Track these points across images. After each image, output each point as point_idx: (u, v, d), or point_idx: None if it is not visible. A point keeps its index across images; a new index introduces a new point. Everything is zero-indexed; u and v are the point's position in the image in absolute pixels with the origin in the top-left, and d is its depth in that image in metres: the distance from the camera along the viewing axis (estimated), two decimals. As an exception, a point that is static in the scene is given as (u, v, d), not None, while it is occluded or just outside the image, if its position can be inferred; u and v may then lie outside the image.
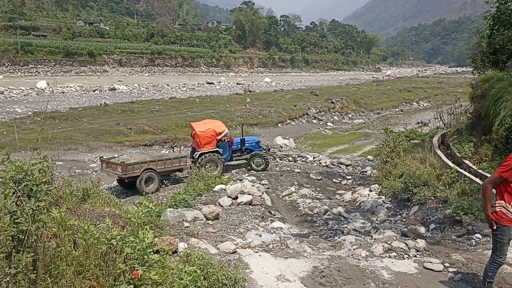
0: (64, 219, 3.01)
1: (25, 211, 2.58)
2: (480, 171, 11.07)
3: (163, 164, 17.14)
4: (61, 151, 24.39)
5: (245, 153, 19.02)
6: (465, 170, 11.44)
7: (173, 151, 19.93)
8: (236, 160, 19.17)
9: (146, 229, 3.22)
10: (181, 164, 17.63)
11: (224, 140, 18.51)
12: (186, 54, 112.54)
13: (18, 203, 2.65)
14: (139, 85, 63.88)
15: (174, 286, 3.47)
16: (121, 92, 55.09)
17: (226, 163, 18.82)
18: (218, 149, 17.97)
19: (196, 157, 17.91)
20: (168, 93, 55.21)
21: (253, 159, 18.42)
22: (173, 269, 3.46)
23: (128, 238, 3.03)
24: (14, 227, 2.53)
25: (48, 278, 2.63)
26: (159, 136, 31.69)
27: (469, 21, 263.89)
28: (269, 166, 18.54)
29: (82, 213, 4.89)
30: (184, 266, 3.49)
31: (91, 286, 2.86)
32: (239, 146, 19.07)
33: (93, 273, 2.90)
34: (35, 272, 2.60)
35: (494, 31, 17.96)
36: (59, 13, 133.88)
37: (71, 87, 58.03)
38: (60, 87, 57.89)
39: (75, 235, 3.16)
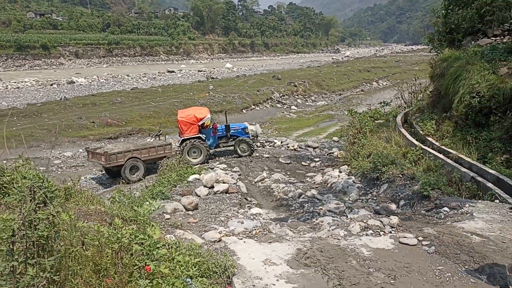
0: (73, 221, 3.10)
1: (44, 217, 2.66)
2: (443, 147, 11.63)
3: (148, 152, 17.17)
4: (23, 148, 23.72)
5: (231, 139, 18.80)
6: (428, 147, 11.98)
7: (158, 139, 19.73)
8: (223, 146, 19.04)
9: (153, 225, 3.35)
10: (165, 151, 17.55)
11: (209, 126, 18.30)
12: (145, 43, 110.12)
13: (36, 210, 2.71)
14: (98, 77, 62.27)
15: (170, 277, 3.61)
16: (80, 85, 53.59)
17: (212, 150, 18.77)
18: (200, 135, 17.78)
19: (179, 143, 17.96)
20: (129, 84, 54.15)
21: (238, 145, 18.35)
22: (179, 261, 3.61)
23: (138, 236, 3.15)
24: (35, 233, 2.60)
25: (72, 280, 2.73)
26: (124, 128, 31.24)
27: (422, 0, 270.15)
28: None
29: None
30: (190, 259, 3.64)
31: (112, 284, 2.98)
32: (225, 132, 18.89)
33: (116, 271, 3.01)
34: (58, 274, 2.70)
35: (449, 10, 18.62)
36: (8, 5, 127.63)
37: (26, 81, 55.92)
38: (15, 82, 55.72)
39: (85, 236, 3.25)
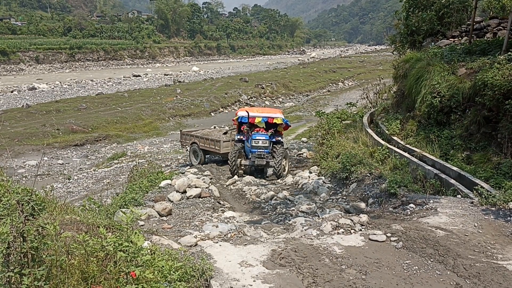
0: (57, 231, 3.16)
1: (33, 228, 2.72)
2: (407, 146, 12.07)
3: (204, 142, 17.22)
4: (-16, 159, 23.08)
5: None
6: (394, 146, 12.42)
7: (225, 133, 18.84)
8: None
9: (136, 233, 3.44)
10: (216, 147, 16.82)
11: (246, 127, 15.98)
12: (108, 47, 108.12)
13: (25, 222, 2.77)
14: (61, 83, 60.81)
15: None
16: (42, 91, 52.18)
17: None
18: (238, 134, 16.19)
19: None
20: (94, 89, 53.24)
21: None
22: (162, 266, 3.71)
23: (123, 243, 3.24)
24: (27, 244, 2.67)
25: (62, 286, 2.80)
26: (90, 135, 30.83)
27: (384, 0, 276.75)
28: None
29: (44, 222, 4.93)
30: (173, 263, 3.75)
31: (99, 290, 3.07)
32: None
33: (105, 278, 3.09)
34: (48, 283, 2.77)
35: (409, 13, 19.27)
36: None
37: (-16, 89, 54.06)
38: (-28, 89, 53.80)
39: (69, 246, 3.32)
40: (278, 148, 15.07)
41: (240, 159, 14.99)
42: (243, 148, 15.57)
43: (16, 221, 2.71)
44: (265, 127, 15.94)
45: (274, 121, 15.89)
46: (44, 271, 2.79)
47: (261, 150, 14.90)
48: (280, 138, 15.88)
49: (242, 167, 15.21)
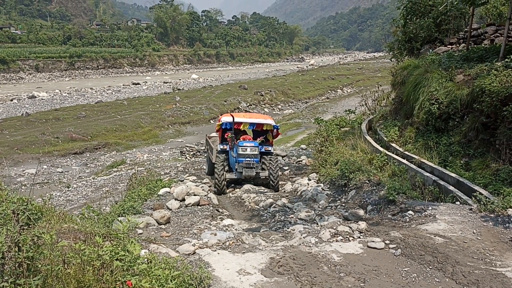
0: (54, 241, 3.17)
1: (28, 238, 2.73)
2: (406, 152, 12.07)
3: (208, 147, 16.83)
4: (-17, 167, 23.10)
5: None
6: (393, 153, 12.41)
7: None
8: None
9: (132, 242, 3.44)
10: (212, 154, 15.71)
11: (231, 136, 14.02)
12: (108, 55, 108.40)
13: (20, 232, 2.78)
14: (60, 91, 60.93)
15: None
16: (42, 99, 52.31)
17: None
18: (221, 144, 14.46)
19: None
20: (93, 97, 53.34)
21: None
22: (160, 275, 3.71)
23: (119, 252, 3.25)
24: (22, 254, 2.68)
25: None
26: (90, 143, 30.88)
27: (382, 8, 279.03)
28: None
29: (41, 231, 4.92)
30: (171, 272, 3.76)
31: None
32: None
33: (101, 287, 3.09)
34: None
35: (407, 20, 19.38)
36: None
37: (-17, 98, 54.12)
38: (-28, 98, 53.87)
39: (65, 255, 3.32)
40: (272, 159, 13.60)
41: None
42: (227, 160, 13.85)
43: (12, 231, 2.72)
44: (252, 135, 14.54)
45: (264, 127, 14.40)
46: (39, 281, 2.80)
47: (250, 159, 13.13)
48: (270, 148, 14.31)
49: (227, 180, 13.46)
